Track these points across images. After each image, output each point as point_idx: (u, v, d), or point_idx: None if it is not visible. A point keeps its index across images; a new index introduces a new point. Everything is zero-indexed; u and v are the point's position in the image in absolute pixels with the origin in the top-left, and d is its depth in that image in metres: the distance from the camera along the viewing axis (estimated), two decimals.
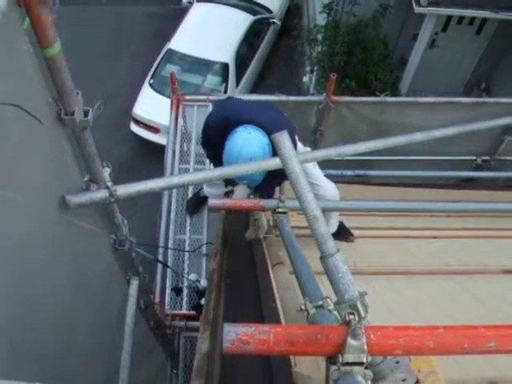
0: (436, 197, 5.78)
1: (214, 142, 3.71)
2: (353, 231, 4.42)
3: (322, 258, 1.47)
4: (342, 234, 4.38)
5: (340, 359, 1.21)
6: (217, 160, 3.79)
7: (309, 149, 4.15)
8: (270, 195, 3.81)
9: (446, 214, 4.88)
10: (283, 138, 1.47)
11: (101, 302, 2.91)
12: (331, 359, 1.25)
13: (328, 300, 1.58)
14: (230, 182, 4.07)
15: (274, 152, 3.31)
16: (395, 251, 4.12)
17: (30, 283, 1.88)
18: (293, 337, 1.22)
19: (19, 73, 1.59)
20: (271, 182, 3.59)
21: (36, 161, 1.81)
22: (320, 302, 1.58)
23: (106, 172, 2.29)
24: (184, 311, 4.91)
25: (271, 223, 3.52)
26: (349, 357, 1.20)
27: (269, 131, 3.39)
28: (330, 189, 4.10)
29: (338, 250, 1.46)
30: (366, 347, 1.20)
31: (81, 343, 2.58)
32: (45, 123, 1.77)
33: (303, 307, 1.61)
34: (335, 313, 1.47)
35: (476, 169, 7.37)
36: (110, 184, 2.27)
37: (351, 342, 1.20)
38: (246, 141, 3.33)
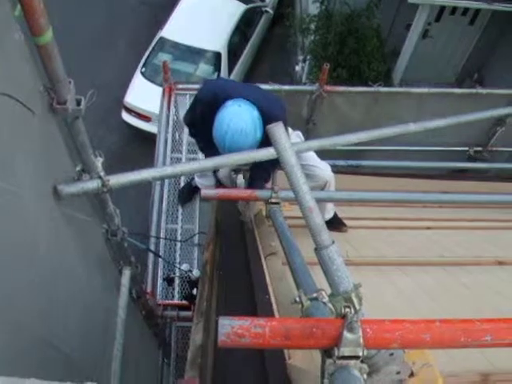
0: (429, 187, 5.79)
1: (201, 118, 3.72)
2: (345, 221, 4.41)
3: (316, 249, 1.46)
4: (335, 224, 4.38)
5: (336, 353, 1.20)
6: (200, 137, 3.84)
7: (299, 133, 4.18)
8: (266, 181, 3.82)
9: (439, 205, 4.89)
10: (278, 129, 1.45)
11: (92, 291, 2.89)
12: (327, 352, 1.24)
13: (323, 292, 1.57)
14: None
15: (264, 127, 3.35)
16: (388, 242, 4.12)
17: (21, 274, 1.87)
18: (289, 330, 1.21)
19: (10, 62, 1.56)
20: (264, 165, 3.61)
21: (27, 150, 1.79)
22: (315, 295, 1.58)
23: (99, 162, 2.27)
24: (176, 301, 4.91)
25: (264, 213, 3.51)
26: (345, 350, 1.19)
27: (259, 106, 3.43)
28: (326, 170, 4.20)
29: (333, 242, 1.45)
30: (362, 341, 1.19)
31: (72, 334, 2.57)
32: (36, 112, 1.75)
33: (297, 299, 1.61)
34: (330, 305, 1.46)
35: (469, 160, 7.39)
36: (102, 174, 2.25)
37: (347, 335, 1.19)
38: (236, 114, 3.36)
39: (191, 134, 4.31)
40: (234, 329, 1.17)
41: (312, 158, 4.12)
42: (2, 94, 1.46)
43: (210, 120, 3.48)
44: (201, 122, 3.77)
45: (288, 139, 1.47)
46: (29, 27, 1.59)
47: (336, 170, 6.25)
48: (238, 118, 3.33)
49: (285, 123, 3.77)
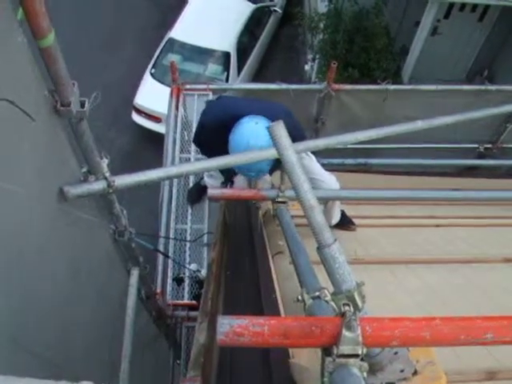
0: (438, 185, 5.76)
1: (211, 142, 3.66)
2: (354, 220, 4.40)
3: (318, 248, 1.46)
4: (344, 222, 4.36)
5: (335, 351, 1.20)
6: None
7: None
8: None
9: (448, 203, 4.87)
10: (278, 128, 1.46)
11: (100, 291, 2.91)
12: (326, 351, 1.24)
13: (325, 291, 1.57)
14: (230, 176, 4.02)
15: None
16: (397, 240, 4.12)
17: (29, 274, 1.88)
18: (287, 329, 1.21)
19: (14, 65, 1.58)
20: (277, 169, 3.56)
21: (33, 152, 1.80)
22: (317, 293, 1.58)
23: (104, 163, 2.29)
24: (185, 301, 4.92)
25: (272, 212, 3.51)
26: (344, 349, 1.19)
27: (273, 120, 3.36)
28: (331, 182, 4.03)
29: (336, 240, 1.45)
30: (361, 339, 1.19)
31: (81, 333, 2.58)
32: (41, 115, 1.77)
33: (300, 298, 1.61)
34: (332, 303, 1.46)
35: (478, 157, 7.35)
36: (108, 175, 2.27)
37: (346, 333, 1.18)
38: (254, 132, 3.24)
39: (202, 153, 4.27)
40: (233, 328, 1.18)
41: (317, 170, 4.03)
42: (4, 99, 1.47)
43: (221, 143, 3.38)
44: (210, 146, 3.68)
45: (288, 138, 1.47)
46: (31, 30, 1.60)
47: (344, 168, 6.28)
48: (256, 136, 3.21)
49: (301, 132, 3.76)
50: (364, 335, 1.20)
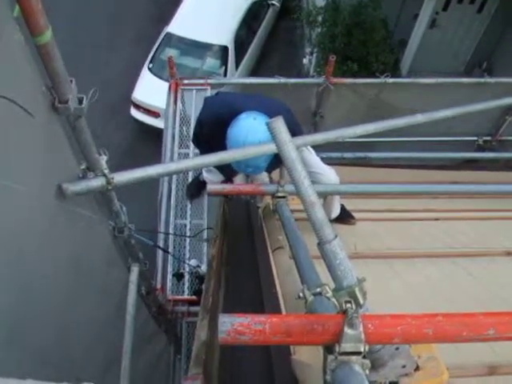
0: (437, 178, 5.75)
1: (209, 139, 3.64)
2: (354, 214, 4.40)
3: (319, 244, 1.45)
4: (343, 216, 4.35)
5: (337, 349, 1.19)
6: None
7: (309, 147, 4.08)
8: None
9: (448, 196, 4.86)
10: (277, 123, 1.44)
11: (101, 288, 2.90)
12: (328, 349, 1.23)
13: (326, 287, 1.56)
14: (229, 173, 3.99)
15: None
16: (396, 234, 4.11)
17: (28, 272, 1.88)
18: (289, 327, 1.20)
19: (11, 63, 1.56)
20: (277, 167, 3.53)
21: (31, 149, 1.79)
22: (318, 290, 1.57)
23: (103, 159, 2.27)
24: (186, 296, 4.92)
25: (271, 207, 3.50)
26: (346, 346, 1.19)
27: (271, 116, 3.32)
28: (331, 175, 4.01)
29: (336, 236, 1.44)
30: (363, 336, 1.19)
31: (81, 331, 2.58)
32: (39, 112, 1.76)
33: (301, 294, 1.60)
34: (333, 300, 1.45)
35: (477, 150, 7.35)
36: (106, 172, 2.26)
37: (348, 331, 1.18)
38: (252, 127, 3.22)
39: (202, 153, 4.23)
40: (234, 326, 1.17)
41: (316, 163, 4.02)
42: (1, 97, 1.46)
43: (219, 139, 3.36)
44: (209, 143, 3.66)
45: (288, 133, 1.46)
46: (28, 27, 1.59)
47: (344, 161, 6.27)
48: (254, 131, 3.18)
49: (299, 127, 3.74)
50: (366, 332, 1.19)
